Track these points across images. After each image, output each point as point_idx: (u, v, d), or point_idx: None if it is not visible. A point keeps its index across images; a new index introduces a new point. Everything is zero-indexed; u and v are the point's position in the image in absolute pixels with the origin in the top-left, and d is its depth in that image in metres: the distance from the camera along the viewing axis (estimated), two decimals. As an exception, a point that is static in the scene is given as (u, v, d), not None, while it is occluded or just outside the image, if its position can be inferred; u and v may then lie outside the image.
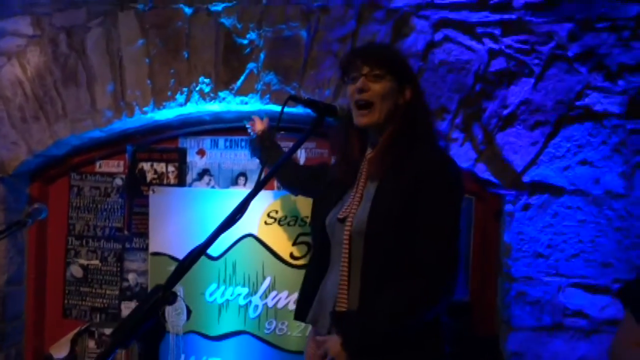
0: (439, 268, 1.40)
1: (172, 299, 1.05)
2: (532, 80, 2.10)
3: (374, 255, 1.45)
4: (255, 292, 2.43)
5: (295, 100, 1.59)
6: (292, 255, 2.41)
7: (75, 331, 2.71)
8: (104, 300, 2.70)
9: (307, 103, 1.55)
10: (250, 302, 2.44)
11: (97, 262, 2.70)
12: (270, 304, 2.43)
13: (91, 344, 2.70)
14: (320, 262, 1.62)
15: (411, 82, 1.56)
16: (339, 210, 1.56)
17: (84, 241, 2.72)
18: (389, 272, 1.43)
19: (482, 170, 2.15)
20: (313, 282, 1.63)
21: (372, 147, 1.59)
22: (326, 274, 1.60)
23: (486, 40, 2.13)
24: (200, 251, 1.16)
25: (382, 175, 1.50)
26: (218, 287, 2.46)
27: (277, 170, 1.45)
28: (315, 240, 1.69)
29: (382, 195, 1.48)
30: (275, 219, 2.44)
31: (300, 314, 1.67)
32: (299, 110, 2.21)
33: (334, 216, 1.56)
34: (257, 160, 2.34)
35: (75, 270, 2.73)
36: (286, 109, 1.60)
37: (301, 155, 2.50)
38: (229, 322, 2.46)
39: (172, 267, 2.49)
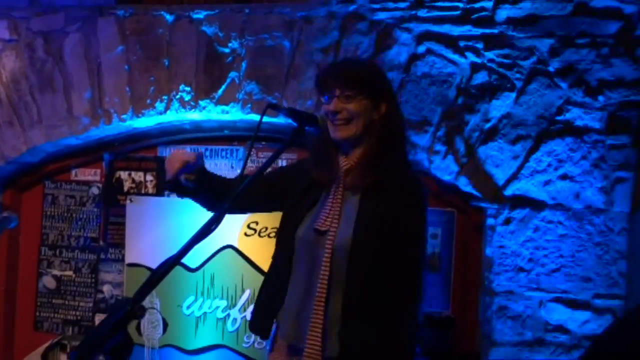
0: (412, 298, 1.44)
1: (140, 313, 1.00)
2: (514, 95, 2.11)
3: (357, 271, 1.43)
4: (234, 305, 2.39)
5: (275, 108, 1.55)
6: (271, 268, 2.37)
7: (46, 345, 2.61)
8: (77, 313, 2.62)
9: (287, 112, 1.52)
10: (228, 315, 2.39)
11: (70, 273, 2.63)
12: (249, 317, 2.37)
13: (63, 358, 2.61)
14: (286, 272, 1.57)
15: (386, 97, 1.54)
16: (314, 219, 1.52)
17: (58, 251, 2.64)
18: (369, 289, 1.42)
19: (464, 184, 2.15)
20: (278, 293, 1.58)
21: (345, 156, 1.57)
22: (296, 286, 1.55)
23: (468, 54, 2.13)
24: (172, 263, 1.12)
25: (363, 189, 1.49)
26: (196, 300, 2.41)
27: (255, 179, 1.41)
28: (283, 248, 1.63)
29: (365, 213, 1.47)
30: (255, 231, 2.40)
31: (262, 328, 1.62)
32: (279, 120, 2.18)
33: (310, 226, 1.52)
34: (239, 170, 2.28)
35: (48, 282, 2.65)
36: (266, 119, 1.57)
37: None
38: (206, 336, 2.40)
39: (148, 278, 2.44)
